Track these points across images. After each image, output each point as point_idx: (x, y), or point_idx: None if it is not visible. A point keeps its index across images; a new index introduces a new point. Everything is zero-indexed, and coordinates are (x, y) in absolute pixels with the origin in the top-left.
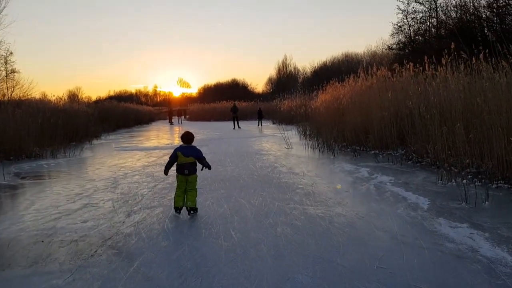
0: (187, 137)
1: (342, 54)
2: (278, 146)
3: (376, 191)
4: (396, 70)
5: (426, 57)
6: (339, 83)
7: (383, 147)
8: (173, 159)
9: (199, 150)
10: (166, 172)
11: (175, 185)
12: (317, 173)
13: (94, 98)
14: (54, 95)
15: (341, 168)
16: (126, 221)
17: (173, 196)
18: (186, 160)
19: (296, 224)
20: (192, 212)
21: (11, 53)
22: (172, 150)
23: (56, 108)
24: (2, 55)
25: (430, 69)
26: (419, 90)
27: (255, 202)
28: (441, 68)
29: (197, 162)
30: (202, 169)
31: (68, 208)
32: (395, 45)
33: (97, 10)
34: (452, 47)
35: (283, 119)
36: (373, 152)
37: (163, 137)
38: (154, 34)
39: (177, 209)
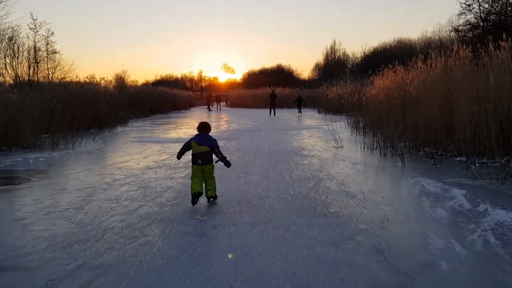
0: (202, 127)
1: (394, 40)
2: (324, 143)
3: (505, 251)
4: (487, 49)
5: None
6: (399, 66)
7: (476, 153)
8: (186, 147)
9: (214, 139)
10: (179, 156)
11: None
12: (385, 196)
13: (141, 82)
14: (102, 78)
15: (420, 188)
16: None
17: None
18: (200, 149)
19: None
20: (211, 199)
21: (52, 33)
22: None
23: (72, 91)
24: (43, 35)
25: None
26: None
27: (283, 267)
28: None
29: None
30: (217, 162)
31: None
32: (462, 27)
33: None
34: None
35: (330, 108)
36: (458, 159)
37: (193, 126)
38: (201, 19)
39: (194, 197)
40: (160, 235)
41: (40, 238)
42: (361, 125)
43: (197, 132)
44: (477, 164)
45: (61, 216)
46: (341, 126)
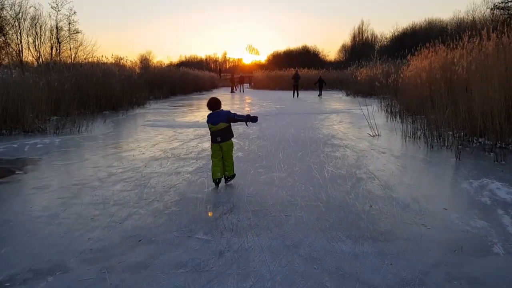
0: (212, 104)
1: (424, 21)
2: (357, 130)
3: None
4: None
5: None
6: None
7: None
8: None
9: (227, 111)
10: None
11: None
12: (448, 206)
13: (166, 63)
14: (120, 58)
15: (490, 194)
16: None
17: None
18: (218, 127)
19: None
20: (229, 179)
21: (74, 12)
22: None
23: (83, 71)
24: (65, 15)
25: None
26: None
27: None
28: None
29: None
30: (247, 124)
31: None
32: (504, 3)
33: None
34: None
35: (359, 90)
36: None
37: None
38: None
39: (216, 182)
40: (143, 267)
41: None
42: (396, 109)
43: (209, 111)
44: None
45: (23, 229)
46: (373, 110)
